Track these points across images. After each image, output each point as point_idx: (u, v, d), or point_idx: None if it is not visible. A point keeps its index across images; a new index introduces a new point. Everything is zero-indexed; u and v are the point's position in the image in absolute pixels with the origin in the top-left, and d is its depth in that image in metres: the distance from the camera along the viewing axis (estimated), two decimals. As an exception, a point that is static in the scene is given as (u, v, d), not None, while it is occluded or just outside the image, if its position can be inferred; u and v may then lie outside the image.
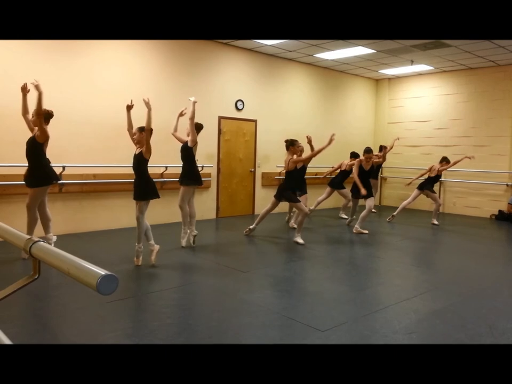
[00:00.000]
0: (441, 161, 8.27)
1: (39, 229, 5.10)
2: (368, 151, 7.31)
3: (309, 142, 6.72)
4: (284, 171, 6.55)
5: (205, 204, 8.24)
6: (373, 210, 9.66)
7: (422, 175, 8.44)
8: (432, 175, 8.23)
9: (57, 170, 6.21)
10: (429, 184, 8.25)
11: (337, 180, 8.46)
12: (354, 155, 8.17)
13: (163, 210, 7.32)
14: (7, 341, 1.41)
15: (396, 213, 8.41)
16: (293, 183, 6.32)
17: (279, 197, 6.37)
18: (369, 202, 7.28)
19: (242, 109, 8.64)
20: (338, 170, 8.56)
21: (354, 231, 7.25)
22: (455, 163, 8.25)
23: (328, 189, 8.49)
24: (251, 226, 6.75)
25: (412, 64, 9.36)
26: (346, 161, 8.42)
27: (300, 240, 6.18)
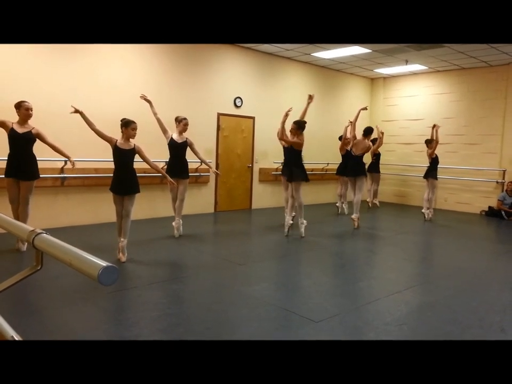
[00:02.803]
0: (427, 146, 8.41)
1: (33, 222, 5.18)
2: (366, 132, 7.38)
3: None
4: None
5: (204, 198, 8.38)
6: (374, 202, 9.83)
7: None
8: (429, 161, 8.37)
9: (60, 164, 6.37)
10: (430, 172, 8.35)
11: (340, 167, 8.79)
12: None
13: (164, 204, 7.45)
14: (13, 334, 1.46)
15: (429, 210, 8.40)
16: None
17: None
18: (359, 183, 7.30)
19: (240, 106, 8.76)
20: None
21: (354, 223, 7.28)
22: (436, 137, 8.26)
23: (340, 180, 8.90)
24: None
25: (406, 64, 9.50)
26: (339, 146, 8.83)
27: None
